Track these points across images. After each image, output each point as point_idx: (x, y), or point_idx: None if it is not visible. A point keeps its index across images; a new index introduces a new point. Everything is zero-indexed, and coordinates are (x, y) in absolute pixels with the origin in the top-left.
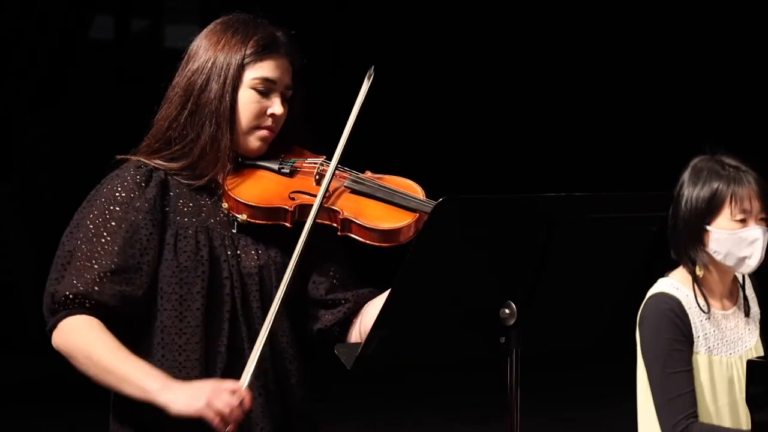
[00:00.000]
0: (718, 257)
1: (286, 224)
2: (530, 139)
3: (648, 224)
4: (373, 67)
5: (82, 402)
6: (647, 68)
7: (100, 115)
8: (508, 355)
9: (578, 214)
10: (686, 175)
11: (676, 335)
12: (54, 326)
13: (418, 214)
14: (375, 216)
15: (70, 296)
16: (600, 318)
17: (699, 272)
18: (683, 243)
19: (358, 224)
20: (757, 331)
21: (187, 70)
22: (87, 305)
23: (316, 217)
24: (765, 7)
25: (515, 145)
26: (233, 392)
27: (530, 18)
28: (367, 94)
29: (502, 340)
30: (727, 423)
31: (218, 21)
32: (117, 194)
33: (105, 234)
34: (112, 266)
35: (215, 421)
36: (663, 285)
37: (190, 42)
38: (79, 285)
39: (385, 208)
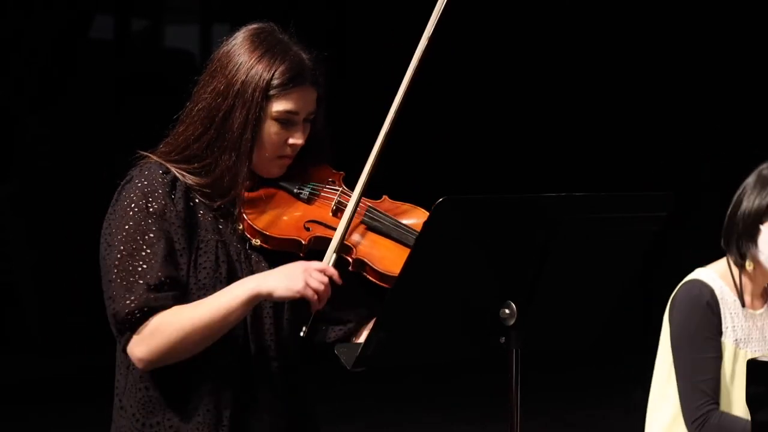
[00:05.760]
0: (762, 257)
1: (299, 254)
2: (531, 140)
3: (648, 224)
4: None
5: (82, 402)
6: (648, 69)
7: (100, 116)
8: (508, 355)
9: (578, 215)
10: (751, 180)
11: (706, 322)
12: (127, 342)
13: None
14: (388, 259)
15: (129, 314)
16: (600, 318)
17: (748, 266)
18: (736, 233)
19: (371, 267)
20: None
21: (212, 87)
22: (146, 310)
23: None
24: (765, 7)
25: (515, 146)
26: (322, 271)
27: (530, 18)
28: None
29: (502, 340)
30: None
31: (248, 34)
32: (149, 206)
33: (145, 247)
34: (161, 276)
35: (314, 299)
36: (699, 273)
37: (219, 45)
38: (134, 299)
39: (399, 250)
